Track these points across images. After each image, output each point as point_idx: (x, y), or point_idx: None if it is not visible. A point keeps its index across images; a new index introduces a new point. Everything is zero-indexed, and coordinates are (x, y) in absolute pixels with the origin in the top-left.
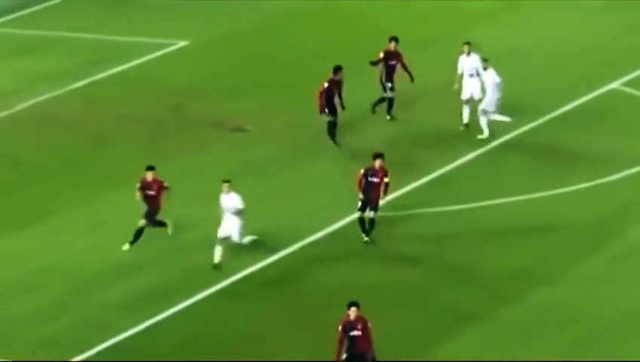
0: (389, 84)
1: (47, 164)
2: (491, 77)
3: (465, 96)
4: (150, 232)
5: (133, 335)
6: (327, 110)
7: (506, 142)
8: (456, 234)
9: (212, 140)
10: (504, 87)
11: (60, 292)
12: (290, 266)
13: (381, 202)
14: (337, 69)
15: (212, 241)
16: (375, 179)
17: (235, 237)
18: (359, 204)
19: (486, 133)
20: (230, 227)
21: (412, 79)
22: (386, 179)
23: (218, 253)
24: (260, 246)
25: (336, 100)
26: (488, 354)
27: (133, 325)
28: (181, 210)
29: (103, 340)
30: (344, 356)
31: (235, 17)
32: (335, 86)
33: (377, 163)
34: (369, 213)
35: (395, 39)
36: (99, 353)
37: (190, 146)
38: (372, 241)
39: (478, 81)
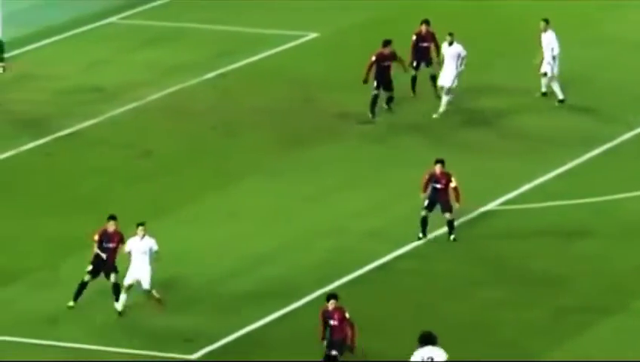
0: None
1: (177, 154)
2: (457, 50)
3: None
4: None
5: (263, 325)
6: (375, 83)
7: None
8: (582, 228)
9: (340, 132)
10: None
11: (195, 282)
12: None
13: (457, 206)
14: (386, 43)
15: (346, 230)
16: (439, 185)
17: (146, 284)
18: (425, 202)
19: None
20: (140, 272)
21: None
22: (452, 184)
23: (122, 301)
24: (386, 237)
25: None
26: (619, 348)
27: (264, 315)
28: (306, 204)
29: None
30: (325, 342)
31: (365, 6)
32: (384, 59)
33: (438, 168)
34: (445, 215)
35: (427, 22)
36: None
37: (319, 138)
38: (455, 240)
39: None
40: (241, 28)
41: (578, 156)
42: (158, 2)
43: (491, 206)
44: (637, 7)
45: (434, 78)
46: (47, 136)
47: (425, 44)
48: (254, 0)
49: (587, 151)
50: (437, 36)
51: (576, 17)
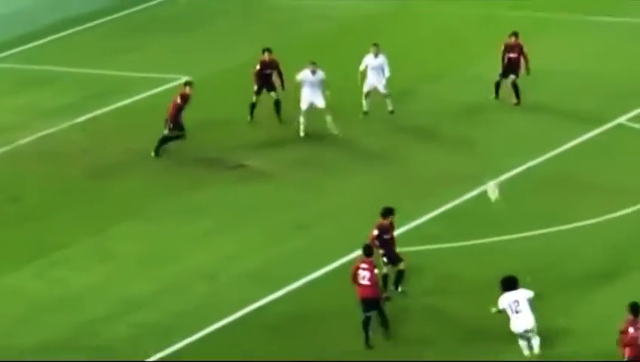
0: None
1: (49, 199)
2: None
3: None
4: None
5: None
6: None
7: (514, 176)
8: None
9: (215, 174)
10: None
11: (64, 327)
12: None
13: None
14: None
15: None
16: (387, 236)
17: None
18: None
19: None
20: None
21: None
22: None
23: None
24: (262, 280)
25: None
26: None
27: (140, 359)
28: (181, 248)
29: None
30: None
31: (237, 50)
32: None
33: (390, 220)
34: (400, 265)
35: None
36: None
37: (194, 181)
38: (404, 292)
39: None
40: (114, 71)
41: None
42: (28, 45)
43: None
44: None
45: (278, 104)
46: None
47: (268, 71)
48: (126, 43)
49: (464, 193)
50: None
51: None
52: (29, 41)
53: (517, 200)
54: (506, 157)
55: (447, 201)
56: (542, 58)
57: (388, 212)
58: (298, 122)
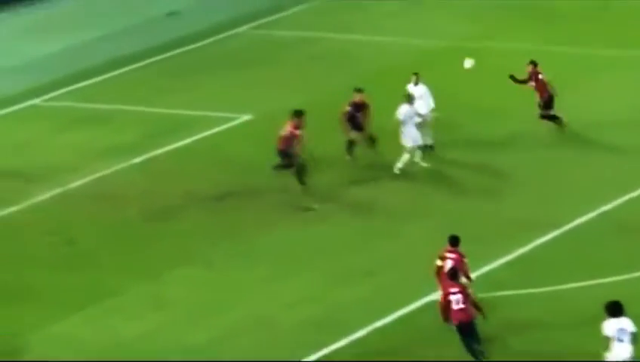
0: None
1: (103, 242)
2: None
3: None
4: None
5: None
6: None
7: (588, 221)
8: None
9: (277, 218)
10: None
11: None
12: None
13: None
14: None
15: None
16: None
17: None
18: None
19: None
20: None
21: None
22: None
23: None
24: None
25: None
26: None
27: None
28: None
29: None
30: None
31: (299, 89)
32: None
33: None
34: None
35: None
36: None
37: (254, 225)
38: None
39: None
40: (173, 110)
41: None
42: (83, 83)
43: (435, 296)
44: None
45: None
46: None
47: (356, 112)
48: (185, 81)
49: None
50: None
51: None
52: (84, 79)
53: (591, 246)
54: (579, 200)
55: (517, 247)
56: (614, 97)
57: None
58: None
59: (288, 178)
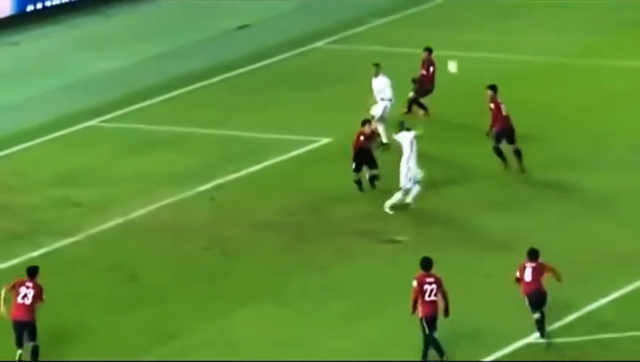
0: None
1: (167, 278)
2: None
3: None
4: None
5: None
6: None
7: None
8: None
9: (357, 251)
10: None
11: None
12: None
13: None
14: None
15: None
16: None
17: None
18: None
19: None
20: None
21: None
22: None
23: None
24: None
25: None
26: None
27: None
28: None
29: None
30: None
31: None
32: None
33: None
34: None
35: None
36: None
37: (332, 258)
38: None
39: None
40: (243, 132)
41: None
42: (146, 102)
43: (533, 338)
44: None
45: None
46: (18, 256)
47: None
48: (257, 101)
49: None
50: None
51: None
52: (146, 98)
53: None
54: None
55: (620, 286)
56: None
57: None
58: None
59: (370, 205)
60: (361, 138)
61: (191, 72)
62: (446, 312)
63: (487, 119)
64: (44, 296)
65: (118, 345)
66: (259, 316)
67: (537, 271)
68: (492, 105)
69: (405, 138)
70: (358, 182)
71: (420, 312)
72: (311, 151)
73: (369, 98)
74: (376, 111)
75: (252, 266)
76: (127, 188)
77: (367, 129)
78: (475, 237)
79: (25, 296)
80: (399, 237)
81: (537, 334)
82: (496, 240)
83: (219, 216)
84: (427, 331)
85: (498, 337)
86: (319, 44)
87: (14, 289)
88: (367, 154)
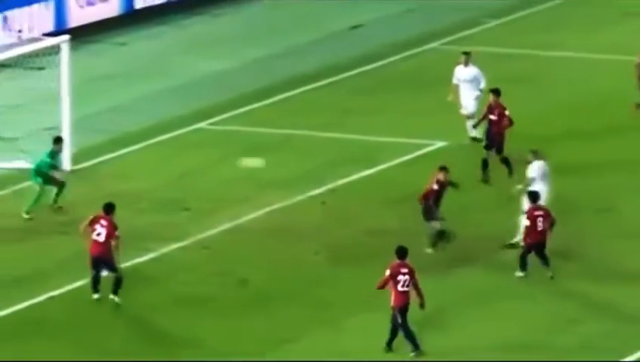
0: None
1: (278, 283)
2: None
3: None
4: None
5: None
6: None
7: None
8: None
9: (478, 258)
10: None
11: None
12: None
13: None
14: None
15: None
16: None
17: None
18: None
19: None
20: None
21: None
22: None
23: None
24: None
25: None
26: None
27: None
28: None
29: None
30: None
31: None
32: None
33: None
34: None
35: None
36: None
37: (449, 265)
38: None
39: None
40: (355, 135)
41: None
42: (257, 105)
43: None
44: None
45: None
46: (122, 263)
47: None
48: (370, 103)
49: None
50: None
51: None
52: (257, 100)
53: None
54: None
55: None
56: None
57: None
58: None
59: (487, 211)
60: (435, 187)
61: (301, 74)
62: (422, 305)
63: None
64: (117, 233)
65: (227, 351)
66: (369, 325)
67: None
68: (497, 111)
69: (536, 169)
70: (440, 233)
71: (392, 302)
72: (425, 155)
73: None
74: (471, 107)
75: (363, 272)
76: (236, 191)
77: (442, 176)
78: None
79: (99, 233)
80: (515, 240)
81: None
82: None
83: (330, 221)
84: (400, 321)
85: None
86: (434, 44)
87: (91, 225)
88: (436, 204)
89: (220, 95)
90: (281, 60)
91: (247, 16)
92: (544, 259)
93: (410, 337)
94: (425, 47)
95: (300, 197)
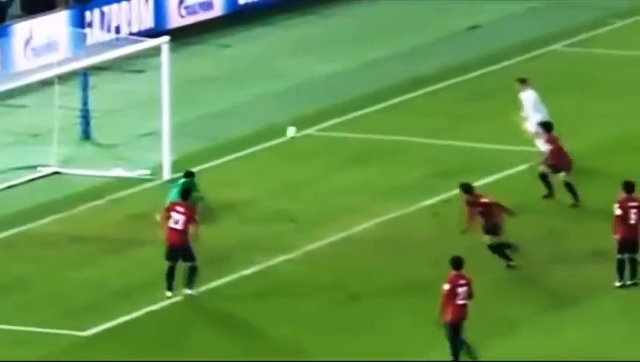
0: None
1: (387, 297)
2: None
3: None
4: None
5: None
6: None
7: None
8: None
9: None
10: None
11: None
12: None
13: None
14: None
15: None
16: None
17: None
18: None
19: None
20: None
21: None
22: None
23: None
24: None
25: None
26: None
27: None
28: None
29: None
30: None
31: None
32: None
33: None
34: None
35: None
36: None
37: (574, 290)
38: None
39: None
40: (470, 143)
41: None
42: (367, 110)
43: None
44: None
45: None
46: (227, 276)
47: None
48: (486, 109)
49: None
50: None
51: None
52: (367, 105)
53: None
54: None
55: None
56: None
57: None
58: None
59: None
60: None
61: (415, 77)
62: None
63: None
64: (196, 217)
65: None
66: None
67: None
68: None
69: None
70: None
71: (449, 315)
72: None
73: (517, 115)
74: (531, 127)
75: (477, 286)
76: (346, 201)
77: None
78: None
79: (177, 221)
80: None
81: None
82: None
83: (442, 234)
84: (452, 334)
85: None
86: (556, 46)
87: (167, 213)
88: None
89: (330, 99)
90: (393, 63)
91: (357, 17)
92: (633, 263)
93: (469, 349)
94: (546, 49)
95: (411, 208)
